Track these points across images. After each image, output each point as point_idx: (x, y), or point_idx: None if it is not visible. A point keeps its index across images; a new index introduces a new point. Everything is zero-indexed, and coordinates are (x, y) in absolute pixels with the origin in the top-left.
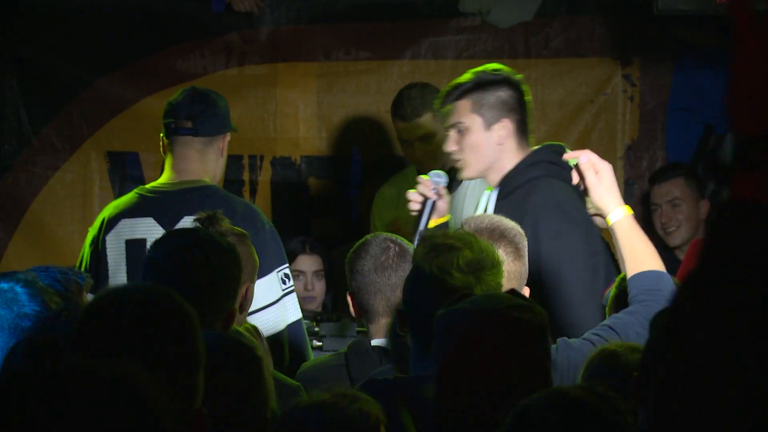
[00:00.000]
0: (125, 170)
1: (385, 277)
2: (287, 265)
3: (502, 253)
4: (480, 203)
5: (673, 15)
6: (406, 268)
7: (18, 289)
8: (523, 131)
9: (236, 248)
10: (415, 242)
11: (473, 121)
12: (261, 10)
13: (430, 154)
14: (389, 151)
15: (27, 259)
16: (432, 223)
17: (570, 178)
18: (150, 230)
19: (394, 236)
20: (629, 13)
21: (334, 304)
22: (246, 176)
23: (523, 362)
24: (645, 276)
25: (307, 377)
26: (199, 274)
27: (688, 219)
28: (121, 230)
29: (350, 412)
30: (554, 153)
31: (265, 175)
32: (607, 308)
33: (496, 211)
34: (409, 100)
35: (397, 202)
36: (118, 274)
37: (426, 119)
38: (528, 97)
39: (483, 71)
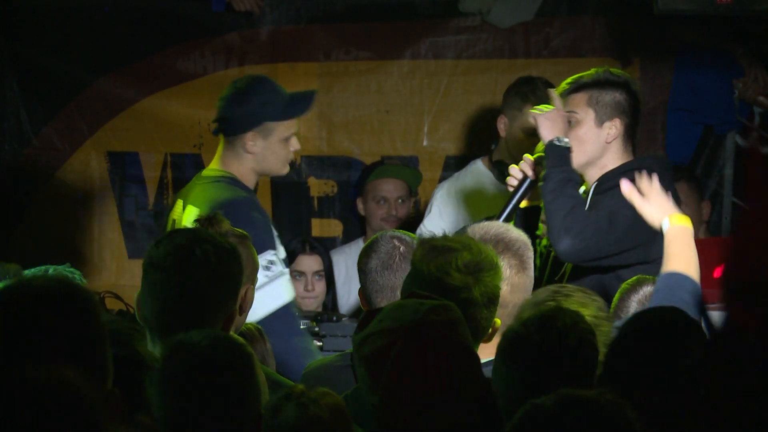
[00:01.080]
0: (125, 170)
1: (387, 276)
2: (271, 251)
3: (505, 265)
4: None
5: (673, 15)
6: (409, 269)
7: None
8: (630, 136)
9: (238, 248)
10: (500, 218)
11: (587, 114)
12: (261, 10)
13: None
14: (390, 150)
15: (27, 259)
16: (523, 204)
17: (668, 186)
18: None
19: (403, 234)
20: (629, 13)
21: (334, 304)
22: None
23: (458, 362)
24: (668, 276)
25: (312, 378)
26: (199, 273)
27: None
28: None
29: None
30: (659, 162)
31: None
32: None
33: (592, 206)
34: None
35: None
36: None
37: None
38: (642, 107)
39: (607, 71)
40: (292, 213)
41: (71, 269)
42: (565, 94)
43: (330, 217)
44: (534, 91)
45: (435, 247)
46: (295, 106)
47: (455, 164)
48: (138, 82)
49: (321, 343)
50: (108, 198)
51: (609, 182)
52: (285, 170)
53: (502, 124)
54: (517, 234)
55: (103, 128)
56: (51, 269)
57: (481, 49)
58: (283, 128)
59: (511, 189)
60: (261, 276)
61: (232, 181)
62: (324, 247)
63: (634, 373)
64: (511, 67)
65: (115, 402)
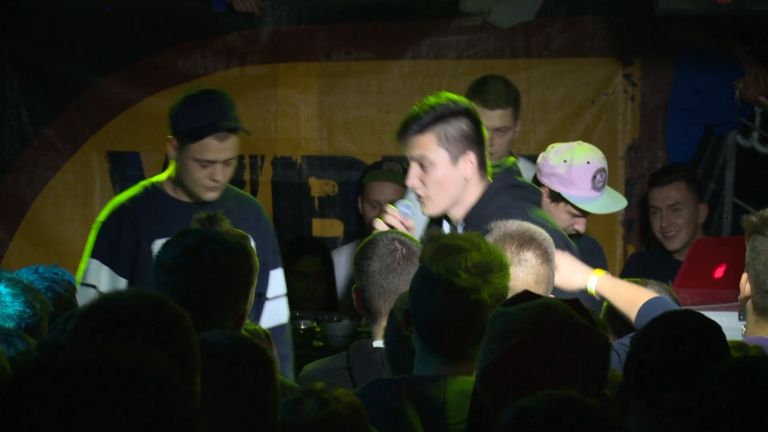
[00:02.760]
0: (126, 170)
1: (391, 279)
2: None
3: (531, 255)
4: None
5: (673, 15)
6: (412, 271)
7: (1, 289)
8: (483, 163)
9: (247, 247)
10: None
11: (438, 156)
12: (262, 10)
13: (503, 146)
14: (390, 151)
15: (27, 259)
16: None
17: (532, 197)
18: None
19: (402, 235)
20: (630, 13)
21: (335, 305)
22: (247, 176)
23: (573, 378)
24: (648, 305)
25: (308, 379)
26: (208, 274)
27: (688, 223)
28: None
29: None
30: (512, 175)
31: (266, 175)
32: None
33: None
34: (496, 89)
35: None
36: None
37: (507, 112)
38: (484, 129)
39: (441, 102)
40: (293, 213)
41: (60, 269)
42: (410, 135)
43: (331, 217)
44: (482, 88)
45: (444, 246)
46: (201, 131)
47: None
48: (139, 82)
49: (321, 343)
50: (108, 198)
51: (476, 218)
52: (204, 195)
53: None
54: (541, 229)
55: (103, 128)
56: (41, 268)
57: (482, 49)
58: (196, 148)
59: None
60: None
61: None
62: (325, 248)
63: (660, 377)
64: (512, 67)
65: (202, 424)
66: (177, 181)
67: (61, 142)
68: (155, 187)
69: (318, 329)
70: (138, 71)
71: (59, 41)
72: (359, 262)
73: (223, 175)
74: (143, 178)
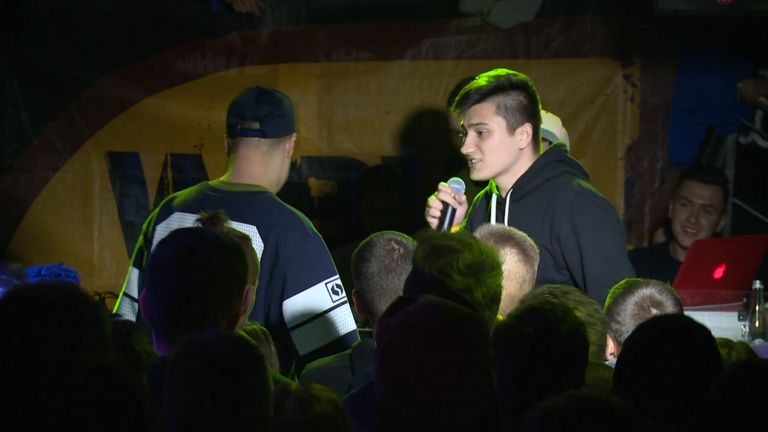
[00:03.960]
0: (126, 170)
1: (390, 279)
2: (337, 276)
3: (507, 253)
4: (491, 209)
5: (673, 15)
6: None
7: None
8: (537, 137)
9: (242, 247)
10: None
11: (497, 124)
12: (261, 10)
13: None
14: (389, 151)
15: (27, 259)
16: (453, 230)
17: (579, 172)
18: None
19: (399, 235)
20: (630, 13)
21: None
22: None
23: (469, 377)
24: None
25: (311, 378)
26: (202, 272)
27: (711, 228)
28: (172, 222)
29: None
30: (560, 151)
31: None
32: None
33: (512, 213)
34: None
35: None
36: None
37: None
38: (539, 106)
39: (504, 75)
40: None
41: (66, 267)
42: (469, 104)
43: (330, 218)
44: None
45: (435, 247)
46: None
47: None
48: (138, 83)
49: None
50: (108, 198)
51: (524, 188)
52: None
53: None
54: (523, 233)
55: (103, 128)
56: (44, 269)
57: (482, 49)
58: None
59: (433, 219)
60: (327, 299)
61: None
62: None
63: (648, 380)
64: (512, 67)
65: (161, 423)
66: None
67: (61, 142)
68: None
69: None
70: (138, 71)
71: (59, 41)
72: (357, 265)
73: None
74: (143, 179)
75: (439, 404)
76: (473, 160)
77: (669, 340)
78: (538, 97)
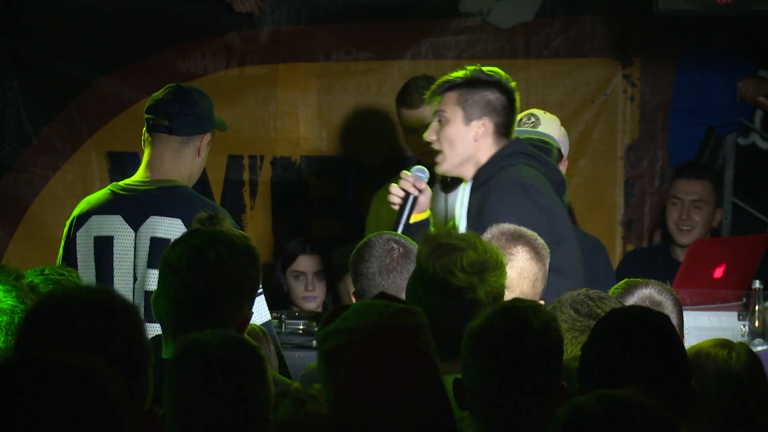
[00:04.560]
0: (125, 170)
1: (392, 279)
2: None
3: (518, 251)
4: (461, 197)
5: (673, 15)
6: (411, 269)
7: None
8: (502, 134)
9: (255, 250)
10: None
11: (455, 113)
12: (261, 10)
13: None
14: (389, 151)
15: (27, 259)
16: (413, 219)
17: (541, 167)
18: (117, 228)
19: (397, 236)
20: (629, 13)
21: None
22: (246, 176)
23: (415, 369)
24: None
25: (311, 379)
26: (213, 275)
27: (705, 223)
28: (91, 226)
29: None
30: (524, 145)
31: (265, 176)
32: None
33: (470, 202)
34: (418, 89)
35: None
36: (87, 270)
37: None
38: (518, 104)
39: (478, 70)
40: (292, 213)
41: (67, 269)
42: (437, 93)
43: (330, 217)
44: (402, 95)
45: (440, 245)
46: (219, 121)
47: None
48: (138, 82)
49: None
50: None
51: (482, 177)
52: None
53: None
54: (534, 233)
55: (103, 128)
56: (47, 269)
57: (482, 49)
58: (212, 138)
59: (394, 207)
60: None
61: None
62: (324, 247)
63: (613, 370)
64: (512, 67)
65: (155, 421)
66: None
67: (61, 142)
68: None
69: (318, 329)
70: (137, 71)
71: (59, 41)
72: (357, 265)
73: None
74: None
75: (390, 399)
76: (435, 150)
77: (631, 330)
78: (516, 97)
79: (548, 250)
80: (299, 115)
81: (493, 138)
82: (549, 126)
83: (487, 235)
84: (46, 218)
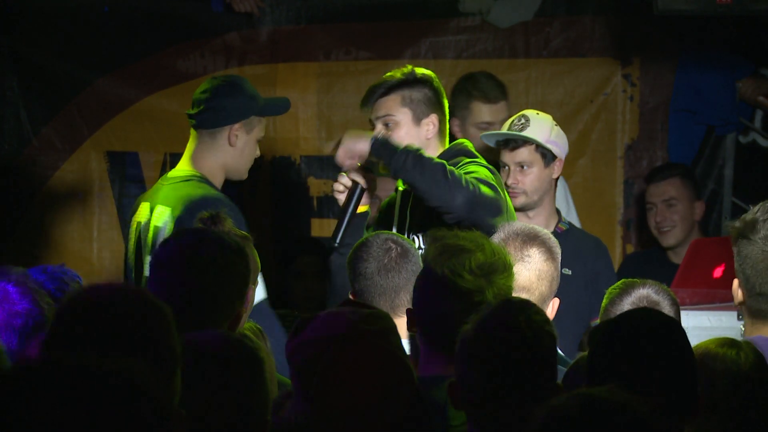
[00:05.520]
0: (125, 170)
1: (389, 279)
2: None
3: (535, 252)
4: (397, 204)
5: (673, 15)
6: (409, 269)
7: (9, 288)
8: (443, 130)
9: (245, 248)
10: (341, 229)
11: (403, 115)
12: (261, 10)
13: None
14: None
15: (27, 259)
16: (359, 210)
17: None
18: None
19: (395, 235)
20: (629, 13)
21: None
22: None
23: (388, 372)
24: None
25: None
26: (205, 273)
27: (683, 219)
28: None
29: None
30: (465, 147)
31: (264, 175)
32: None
33: (414, 203)
34: (495, 85)
35: None
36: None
37: (504, 105)
38: (446, 101)
39: (408, 70)
40: (292, 213)
41: (67, 269)
42: (375, 98)
43: (329, 217)
44: (475, 85)
45: (448, 246)
46: (273, 106)
47: None
48: (138, 82)
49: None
50: (107, 198)
51: None
52: (246, 175)
53: (456, 127)
54: (546, 231)
55: (103, 128)
56: (49, 269)
57: (481, 49)
58: (261, 127)
59: (340, 196)
60: None
61: (203, 180)
62: (323, 247)
63: (621, 374)
64: (511, 67)
65: (179, 422)
66: (219, 171)
67: (61, 142)
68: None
69: None
70: (137, 71)
71: (59, 41)
72: (355, 265)
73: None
74: (142, 178)
75: (366, 405)
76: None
77: (641, 334)
78: (443, 91)
79: (560, 248)
80: (299, 115)
81: (439, 135)
82: (537, 128)
83: (500, 235)
84: (46, 218)
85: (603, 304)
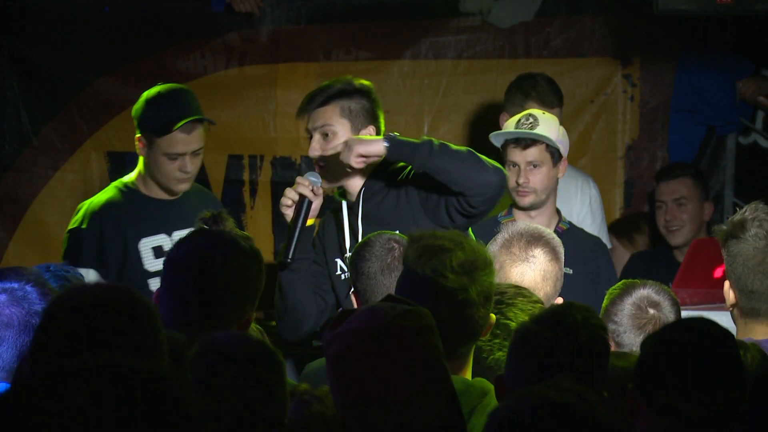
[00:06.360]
0: (125, 170)
1: (392, 278)
2: None
3: (540, 252)
4: (343, 218)
5: (673, 15)
6: None
7: (28, 288)
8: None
9: (259, 253)
10: (292, 244)
11: (342, 126)
12: (261, 10)
13: None
14: None
15: (27, 259)
16: (308, 222)
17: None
18: None
19: (397, 235)
20: (629, 13)
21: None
22: (246, 176)
23: (422, 370)
24: None
25: (311, 378)
26: (218, 275)
27: (692, 219)
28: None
29: None
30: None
31: (265, 175)
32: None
33: (365, 209)
34: (554, 90)
35: None
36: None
37: (557, 112)
38: (381, 111)
39: (343, 81)
40: None
41: (69, 267)
42: (313, 107)
43: None
44: (535, 87)
45: (427, 246)
46: (168, 125)
47: None
48: (138, 82)
49: (321, 342)
50: None
51: (376, 185)
52: (176, 188)
53: (505, 121)
54: (549, 231)
55: (103, 128)
56: (52, 267)
57: (482, 49)
58: (164, 143)
59: (288, 210)
60: None
61: (120, 185)
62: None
63: (677, 388)
64: (512, 67)
65: (203, 420)
66: (147, 178)
67: (61, 142)
68: (128, 188)
69: (318, 329)
70: (137, 71)
71: (59, 41)
72: (357, 265)
73: (193, 165)
74: None
75: (398, 402)
76: (321, 164)
77: (695, 344)
78: (379, 101)
79: (563, 248)
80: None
81: None
82: (546, 127)
83: (504, 235)
84: (46, 218)
85: (603, 305)
